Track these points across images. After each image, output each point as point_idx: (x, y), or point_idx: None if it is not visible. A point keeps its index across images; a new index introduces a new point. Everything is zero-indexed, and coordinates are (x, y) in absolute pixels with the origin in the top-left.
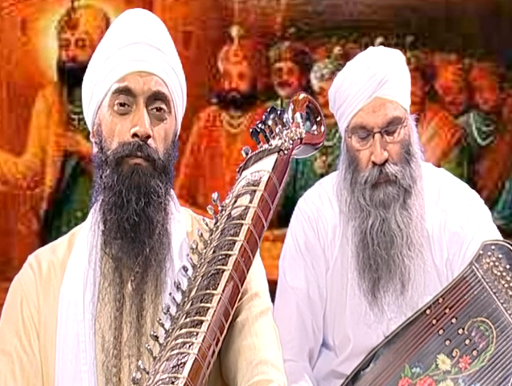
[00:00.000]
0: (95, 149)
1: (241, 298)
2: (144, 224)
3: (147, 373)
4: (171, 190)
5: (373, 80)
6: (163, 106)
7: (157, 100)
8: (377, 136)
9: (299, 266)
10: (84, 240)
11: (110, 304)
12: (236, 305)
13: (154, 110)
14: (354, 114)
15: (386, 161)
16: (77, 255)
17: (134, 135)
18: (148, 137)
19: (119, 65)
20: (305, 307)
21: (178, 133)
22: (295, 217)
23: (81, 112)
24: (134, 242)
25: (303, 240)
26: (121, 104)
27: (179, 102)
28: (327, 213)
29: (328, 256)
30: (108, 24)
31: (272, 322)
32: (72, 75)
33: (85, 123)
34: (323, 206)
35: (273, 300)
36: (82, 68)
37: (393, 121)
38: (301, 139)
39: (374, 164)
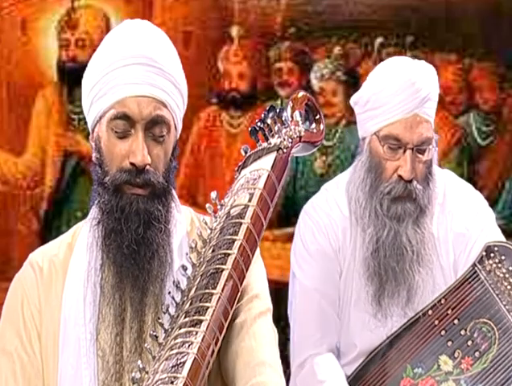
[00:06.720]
0: (94, 158)
1: (240, 299)
2: (144, 250)
3: (147, 373)
4: (173, 190)
5: (417, 97)
6: (163, 129)
7: (157, 124)
8: (409, 152)
9: (312, 268)
10: (84, 244)
11: (111, 311)
12: (235, 305)
13: (154, 134)
14: (389, 123)
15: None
16: (78, 258)
17: (132, 164)
18: (146, 164)
19: (116, 87)
20: (327, 305)
21: (178, 137)
22: (304, 223)
23: (81, 112)
24: (133, 267)
25: (315, 247)
26: (120, 130)
27: (180, 114)
28: (336, 217)
29: (341, 259)
30: (108, 24)
31: (271, 324)
32: (72, 75)
33: (85, 123)
34: (331, 211)
35: (272, 299)
36: (82, 68)
37: (425, 142)
38: (300, 137)
39: (401, 178)
